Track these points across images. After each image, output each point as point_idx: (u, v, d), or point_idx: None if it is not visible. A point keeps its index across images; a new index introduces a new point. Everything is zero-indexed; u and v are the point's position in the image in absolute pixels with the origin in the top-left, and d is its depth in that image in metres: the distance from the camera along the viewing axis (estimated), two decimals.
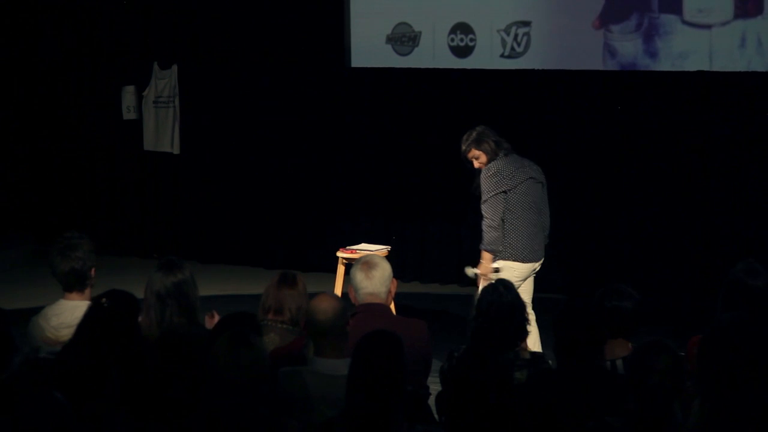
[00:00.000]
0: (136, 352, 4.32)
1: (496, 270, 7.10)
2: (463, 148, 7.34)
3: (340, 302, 4.67)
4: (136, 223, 11.42)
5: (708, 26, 8.95)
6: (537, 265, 7.28)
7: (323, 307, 4.61)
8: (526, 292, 7.10)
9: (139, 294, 5.08)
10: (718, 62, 8.92)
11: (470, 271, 7.26)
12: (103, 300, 4.60)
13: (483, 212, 7.16)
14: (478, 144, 7.29)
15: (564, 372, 4.53)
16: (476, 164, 7.31)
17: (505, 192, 7.14)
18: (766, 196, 8.83)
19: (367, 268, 5.25)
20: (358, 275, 5.25)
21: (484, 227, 7.15)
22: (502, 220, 7.14)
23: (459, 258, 10.21)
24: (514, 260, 7.15)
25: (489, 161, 7.25)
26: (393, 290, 5.33)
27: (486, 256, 7.15)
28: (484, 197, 7.16)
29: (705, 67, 8.96)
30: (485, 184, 7.17)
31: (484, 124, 9.87)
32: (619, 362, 4.77)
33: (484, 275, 7.10)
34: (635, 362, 3.85)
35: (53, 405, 3.36)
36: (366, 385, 3.85)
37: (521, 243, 7.15)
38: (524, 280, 7.21)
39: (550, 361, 4.86)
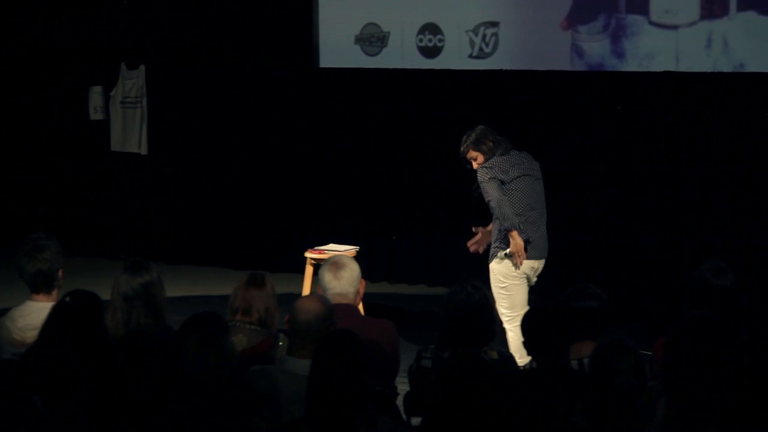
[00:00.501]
0: (102, 352, 4.31)
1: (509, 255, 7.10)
2: (462, 148, 7.31)
3: (326, 306, 4.66)
4: (104, 224, 11.36)
5: (674, 27, 9.00)
6: (538, 264, 7.23)
7: (306, 307, 4.61)
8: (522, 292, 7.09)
9: (106, 295, 5.07)
10: (684, 63, 8.98)
11: (502, 253, 7.17)
12: (67, 299, 4.59)
13: (486, 199, 7.13)
14: (476, 145, 7.26)
15: (532, 372, 4.55)
16: (474, 165, 7.27)
17: (500, 180, 7.11)
18: (732, 195, 8.89)
19: (336, 268, 5.26)
20: (327, 275, 5.26)
21: (495, 211, 7.10)
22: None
23: (428, 258, 10.23)
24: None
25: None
26: (361, 290, 5.34)
27: (513, 233, 7.07)
28: (484, 189, 7.13)
29: (671, 68, 9.02)
30: (480, 175, 7.17)
31: (452, 124, 9.94)
32: (586, 362, 4.79)
33: (519, 252, 7.05)
34: (598, 363, 3.86)
35: (28, 407, 3.35)
36: (325, 385, 3.85)
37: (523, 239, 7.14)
38: (525, 277, 7.18)
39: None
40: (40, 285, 5.27)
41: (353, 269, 5.28)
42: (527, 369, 4.79)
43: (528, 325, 4.53)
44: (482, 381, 3.77)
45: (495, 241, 7.20)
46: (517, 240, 7.06)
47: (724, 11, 8.82)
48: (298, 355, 4.48)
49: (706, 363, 3.77)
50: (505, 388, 4.30)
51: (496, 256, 7.19)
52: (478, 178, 7.20)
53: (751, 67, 8.77)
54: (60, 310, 4.58)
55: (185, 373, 3.76)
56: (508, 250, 7.13)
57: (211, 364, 3.75)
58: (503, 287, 7.15)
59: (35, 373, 3.87)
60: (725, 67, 8.84)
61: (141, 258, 5.26)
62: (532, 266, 7.20)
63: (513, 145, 7.32)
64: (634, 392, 3.77)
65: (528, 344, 4.52)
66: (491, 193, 7.10)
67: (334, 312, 4.69)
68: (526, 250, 7.10)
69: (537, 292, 9.31)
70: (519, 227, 7.07)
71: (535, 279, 7.28)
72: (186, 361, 3.78)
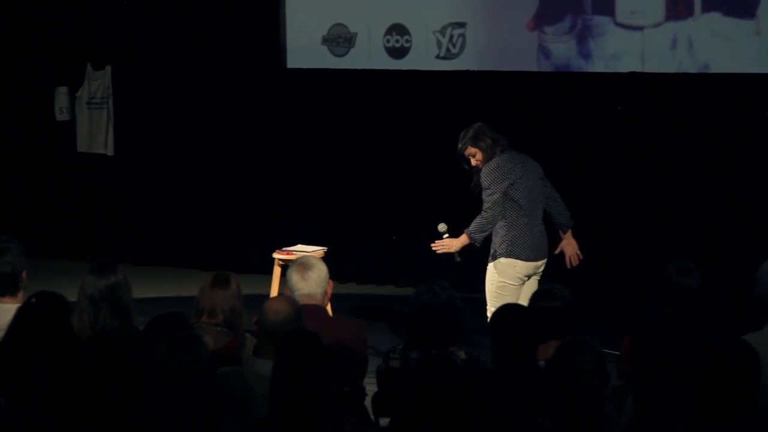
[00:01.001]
0: (68, 353, 4.29)
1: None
2: (460, 145, 7.32)
3: (294, 307, 4.67)
4: (70, 225, 11.30)
5: (640, 28, 9.05)
6: (540, 264, 7.24)
7: (275, 308, 4.61)
8: (526, 294, 7.05)
9: (73, 297, 5.04)
10: (650, 63, 9.03)
11: (442, 226, 7.24)
12: (33, 300, 4.57)
13: (484, 206, 7.17)
14: (474, 141, 7.26)
15: (499, 373, 4.56)
16: (473, 162, 7.28)
17: (507, 187, 7.14)
18: (697, 194, 8.94)
19: (303, 269, 5.26)
20: (294, 276, 5.26)
21: (480, 218, 7.17)
22: (504, 218, 7.15)
23: (396, 259, 10.24)
24: (515, 258, 7.14)
25: (486, 159, 7.21)
26: (329, 291, 5.34)
27: (464, 238, 7.17)
28: (488, 193, 7.15)
29: (637, 69, 9.07)
30: (487, 180, 7.17)
31: (419, 124, 9.96)
32: None
33: (448, 247, 7.16)
34: (560, 363, 3.88)
35: None
36: (287, 385, 3.86)
37: (522, 240, 7.15)
38: (527, 279, 7.19)
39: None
40: (4, 287, 5.25)
41: (321, 270, 5.29)
42: (493, 369, 4.80)
43: (495, 325, 4.54)
44: (451, 382, 3.78)
45: (496, 243, 7.25)
46: (458, 244, 7.21)
47: (689, 12, 8.87)
48: (266, 356, 4.47)
49: (672, 362, 3.80)
50: (473, 388, 4.33)
51: (496, 257, 7.21)
52: (483, 177, 7.20)
53: (716, 68, 8.83)
54: (25, 311, 4.56)
55: (156, 375, 3.75)
56: (447, 235, 7.22)
57: (185, 366, 3.74)
58: (500, 287, 7.17)
59: (0, 373, 3.85)
60: (690, 68, 8.90)
61: (107, 259, 5.24)
62: (536, 266, 7.23)
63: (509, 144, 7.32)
64: (596, 391, 3.78)
65: (495, 345, 4.53)
66: (490, 204, 7.15)
67: (302, 313, 4.69)
68: (517, 255, 7.13)
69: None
70: (475, 243, 7.20)
71: (538, 278, 7.27)
72: (158, 364, 3.77)
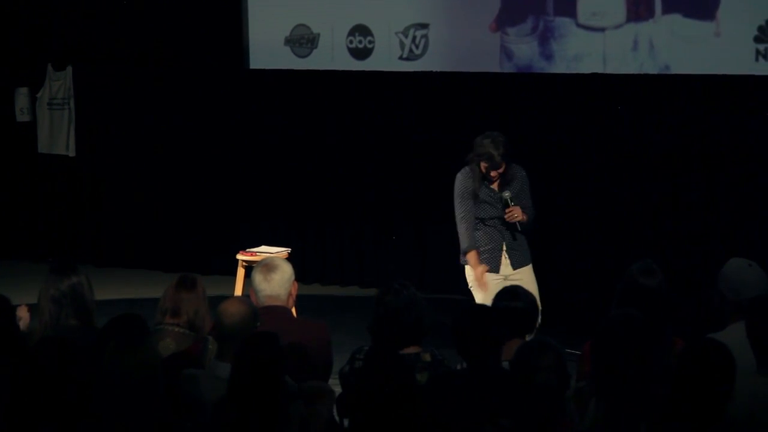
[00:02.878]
0: (16, 354, 4.25)
1: None
2: (502, 155, 7.20)
3: (249, 307, 4.67)
4: (31, 227, 11.22)
5: (601, 29, 9.10)
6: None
7: (231, 310, 4.60)
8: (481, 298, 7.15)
9: (33, 299, 5.01)
10: (611, 65, 9.08)
11: (507, 194, 7.21)
12: None
13: (530, 207, 7.30)
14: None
15: (464, 374, 4.57)
16: (497, 174, 7.25)
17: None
18: (659, 194, 9.00)
19: (267, 270, 5.25)
20: (258, 277, 5.25)
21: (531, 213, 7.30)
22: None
23: (360, 259, 10.24)
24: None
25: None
26: (294, 293, 5.33)
27: (524, 216, 7.23)
28: (528, 195, 7.33)
29: (599, 70, 9.11)
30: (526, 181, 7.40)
31: (382, 125, 9.96)
32: None
33: (519, 215, 7.14)
34: (520, 362, 3.89)
35: None
36: (245, 386, 3.88)
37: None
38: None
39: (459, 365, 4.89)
40: None
41: (285, 271, 5.27)
42: (458, 370, 4.81)
43: (458, 326, 4.55)
44: (397, 378, 3.78)
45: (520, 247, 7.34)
46: (522, 215, 7.23)
47: (649, 14, 8.93)
48: (228, 359, 4.46)
49: (632, 361, 3.81)
50: (435, 390, 4.33)
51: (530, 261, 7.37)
52: (522, 179, 7.33)
53: (676, 69, 8.89)
54: None
55: (105, 375, 3.73)
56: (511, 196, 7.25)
57: (132, 366, 3.73)
58: (471, 287, 7.31)
59: None
60: (651, 69, 8.95)
61: (66, 259, 5.20)
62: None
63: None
64: (555, 391, 3.79)
65: (458, 346, 4.54)
66: (530, 201, 7.33)
67: (257, 313, 4.68)
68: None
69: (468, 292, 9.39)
70: (524, 226, 7.26)
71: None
72: (106, 364, 3.75)
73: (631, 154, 9.06)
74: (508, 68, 9.43)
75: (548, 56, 9.28)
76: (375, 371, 3.81)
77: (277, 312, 5.13)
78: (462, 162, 7.49)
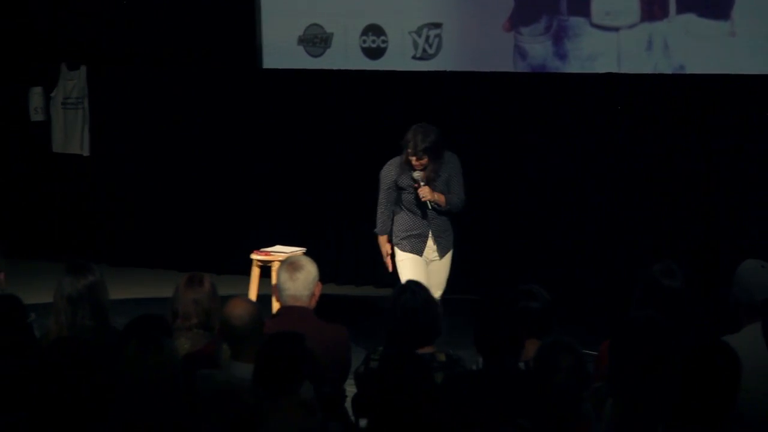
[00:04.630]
0: (29, 356, 4.25)
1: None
2: (425, 146, 7.36)
3: (253, 305, 4.67)
4: (46, 226, 11.25)
5: (615, 29, 9.09)
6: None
7: (238, 312, 4.59)
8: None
9: (47, 298, 5.02)
10: (625, 64, 9.06)
11: (418, 174, 7.39)
12: None
13: (461, 193, 7.51)
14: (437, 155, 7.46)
15: (479, 374, 4.57)
16: (420, 164, 7.39)
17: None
18: (675, 195, 8.98)
19: (293, 269, 5.22)
20: (283, 276, 5.22)
21: (458, 201, 7.48)
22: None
23: (375, 259, 10.21)
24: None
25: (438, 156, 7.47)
26: (317, 293, 5.29)
27: (442, 199, 7.42)
28: (461, 183, 7.52)
29: (613, 69, 9.10)
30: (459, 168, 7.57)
31: (395, 125, 9.94)
32: (532, 362, 4.81)
33: (430, 195, 7.34)
34: (540, 362, 3.89)
35: None
36: (268, 385, 3.89)
37: None
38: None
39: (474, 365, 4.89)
40: None
41: (310, 271, 5.24)
42: (474, 370, 4.81)
43: (480, 325, 4.53)
44: (415, 378, 3.78)
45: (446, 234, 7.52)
46: (435, 195, 7.46)
47: (664, 13, 8.91)
48: (244, 359, 4.47)
49: (652, 363, 3.81)
50: (448, 390, 4.33)
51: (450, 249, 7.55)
52: (456, 167, 7.50)
53: (691, 69, 8.87)
54: None
55: (124, 376, 3.73)
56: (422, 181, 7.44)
57: (151, 366, 3.73)
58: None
59: None
60: (666, 69, 8.94)
61: (82, 259, 5.20)
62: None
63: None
64: (573, 391, 3.79)
65: (478, 344, 4.53)
66: (462, 190, 7.52)
67: (258, 307, 4.69)
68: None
69: (484, 292, 9.39)
70: (448, 207, 7.51)
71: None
72: (125, 363, 3.76)
73: (646, 153, 9.05)
74: (521, 68, 9.42)
75: (562, 56, 9.27)
76: (392, 371, 3.81)
77: (298, 312, 5.12)
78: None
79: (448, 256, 7.63)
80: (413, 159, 7.37)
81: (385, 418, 3.76)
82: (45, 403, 3.83)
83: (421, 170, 7.38)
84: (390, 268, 7.62)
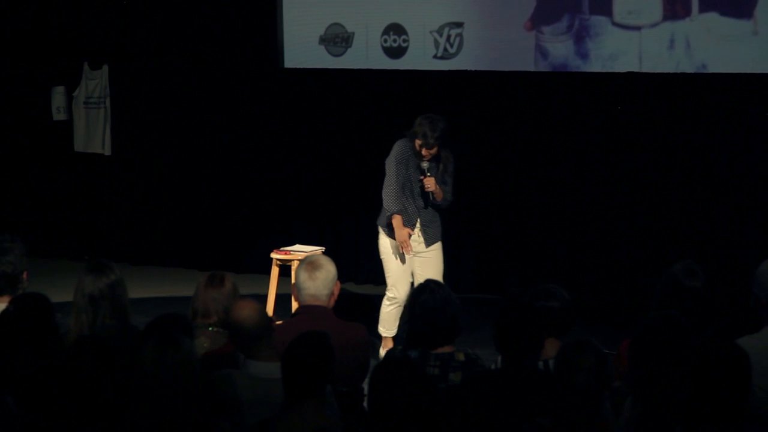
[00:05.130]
0: (53, 353, 4.26)
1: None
2: (436, 138, 7.47)
3: (257, 303, 4.68)
4: (67, 225, 11.29)
5: (637, 28, 9.06)
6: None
7: (246, 313, 4.59)
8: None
9: (68, 297, 5.03)
10: (647, 63, 9.03)
11: (425, 164, 7.52)
12: (11, 307, 4.55)
13: (450, 190, 7.64)
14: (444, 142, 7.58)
15: (498, 373, 4.56)
16: (429, 154, 7.50)
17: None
18: (696, 195, 8.95)
19: (312, 268, 5.22)
20: (303, 275, 5.21)
21: (448, 195, 7.62)
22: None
23: None
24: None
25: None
26: (336, 292, 5.29)
27: (440, 192, 7.58)
28: (451, 180, 7.64)
29: (635, 69, 9.07)
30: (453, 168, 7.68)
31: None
32: (551, 362, 4.80)
33: (432, 186, 7.48)
34: (561, 361, 3.88)
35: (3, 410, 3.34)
36: (296, 385, 3.89)
37: None
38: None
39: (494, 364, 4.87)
40: (3, 287, 5.25)
41: (329, 271, 5.24)
42: (493, 370, 4.80)
43: (500, 324, 4.52)
44: (408, 382, 3.77)
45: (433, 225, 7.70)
46: (436, 187, 7.63)
47: (686, 12, 8.88)
48: (260, 358, 4.47)
49: (672, 363, 3.79)
50: (469, 389, 4.32)
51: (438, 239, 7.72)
52: (450, 167, 7.60)
53: (713, 68, 8.83)
54: (4, 318, 4.51)
55: (144, 373, 3.74)
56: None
57: (169, 365, 3.73)
58: (383, 258, 7.82)
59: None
60: (688, 68, 8.90)
61: (102, 259, 5.21)
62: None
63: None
64: (593, 391, 3.78)
65: (498, 343, 4.51)
66: (450, 189, 7.68)
67: (262, 306, 4.70)
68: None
69: (501, 292, 9.38)
70: (440, 202, 7.73)
71: None
72: (144, 362, 3.76)
73: (667, 153, 9.01)
74: (543, 67, 9.40)
75: (584, 55, 9.24)
76: (384, 377, 3.81)
77: (317, 312, 5.12)
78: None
79: (438, 248, 7.66)
80: (424, 150, 7.40)
81: (383, 423, 3.76)
82: (66, 401, 3.84)
83: (428, 161, 7.40)
84: (409, 252, 7.53)
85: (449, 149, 7.59)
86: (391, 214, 7.54)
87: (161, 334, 3.88)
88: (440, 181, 7.53)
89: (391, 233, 7.54)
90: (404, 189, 7.56)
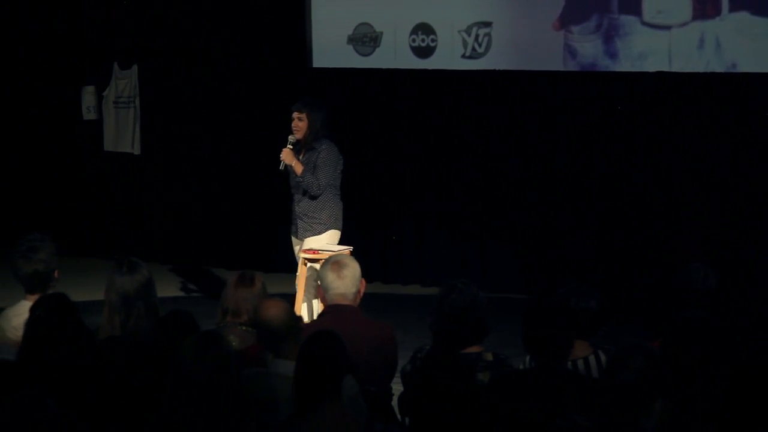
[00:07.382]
0: (82, 353, 4.27)
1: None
2: (297, 105, 7.92)
3: (284, 302, 4.68)
4: (97, 224, 11.35)
5: (667, 27, 9.02)
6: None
7: (273, 313, 4.60)
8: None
9: (98, 295, 5.04)
10: (677, 63, 8.99)
11: (293, 137, 7.94)
12: (37, 312, 4.56)
13: (322, 180, 7.89)
14: (312, 109, 7.96)
15: (527, 373, 4.54)
16: (296, 124, 7.90)
17: (338, 172, 8.02)
18: (726, 195, 8.90)
19: (338, 267, 5.23)
20: (330, 275, 5.23)
21: (316, 180, 7.89)
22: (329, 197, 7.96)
23: (421, 257, 10.23)
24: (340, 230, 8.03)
25: (312, 133, 7.92)
26: (362, 290, 5.31)
27: (299, 168, 7.92)
28: (329, 170, 7.89)
29: (664, 68, 9.03)
30: (331, 157, 7.92)
31: (445, 124, 9.94)
32: (580, 362, 4.79)
33: (285, 157, 7.86)
34: (613, 360, 3.85)
35: (41, 408, 3.36)
36: (311, 384, 3.90)
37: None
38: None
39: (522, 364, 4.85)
40: (35, 285, 5.27)
41: (355, 268, 5.27)
42: (521, 370, 4.79)
43: (530, 324, 4.49)
44: (456, 380, 3.76)
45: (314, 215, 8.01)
46: (292, 160, 8.01)
47: (716, 12, 8.83)
48: (288, 357, 4.48)
49: (703, 364, 3.77)
50: (495, 389, 4.31)
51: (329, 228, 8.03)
52: (326, 155, 7.88)
53: (744, 68, 8.78)
54: (33, 323, 4.52)
55: (182, 373, 3.75)
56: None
57: (210, 364, 3.74)
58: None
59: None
60: (718, 68, 8.86)
61: (133, 258, 5.22)
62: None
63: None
64: (641, 393, 3.73)
65: (528, 343, 4.48)
66: (326, 177, 7.95)
67: (289, 304, 4.71)
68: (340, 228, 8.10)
69: (530, 290, 9.35)
70: (302, 184, 8.06)
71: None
72: (183, 361, 3.77)
73: (697, 152, 8.97)
74: (571, 67, 9.37)
75: (613, 54, 9.21)
76: (433, 372, 3.80)
77: (345, 311, 5.13)
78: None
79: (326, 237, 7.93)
80: (294, 115, 7.84)
81: (426, 419, 3.75)
82: (98, 401, 3.85)
83: (297, 140, 7.82)
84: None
85: (327, 141, 7.87)
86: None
87: (202, 333, 3.89)
88: (308, 167, 7.84)
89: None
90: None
